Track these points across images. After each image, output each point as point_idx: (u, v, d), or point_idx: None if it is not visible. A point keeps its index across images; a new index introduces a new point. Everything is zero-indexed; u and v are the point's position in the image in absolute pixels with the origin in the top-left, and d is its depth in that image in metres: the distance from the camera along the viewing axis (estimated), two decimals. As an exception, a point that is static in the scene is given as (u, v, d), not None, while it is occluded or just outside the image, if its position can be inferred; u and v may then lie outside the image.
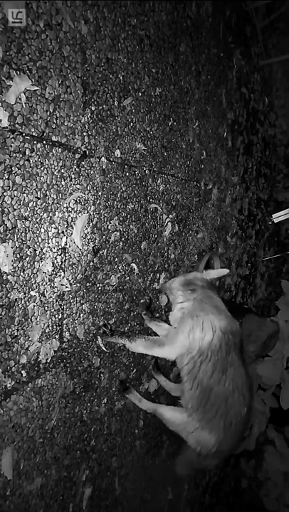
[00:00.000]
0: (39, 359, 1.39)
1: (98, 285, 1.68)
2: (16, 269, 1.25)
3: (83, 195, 1.54)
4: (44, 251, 1.37)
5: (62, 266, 1.47)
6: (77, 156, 1.49)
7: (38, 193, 1.32)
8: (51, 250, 1.40)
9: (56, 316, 1.45)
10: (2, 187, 1.18)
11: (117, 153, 1.74)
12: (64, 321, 1.50)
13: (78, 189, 1.51)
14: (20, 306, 1.28)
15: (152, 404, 1.93)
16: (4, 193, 1.19)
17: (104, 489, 1.85)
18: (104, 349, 1.75)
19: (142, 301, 2.01)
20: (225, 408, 1.61)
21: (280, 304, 3.25)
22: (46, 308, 1.40)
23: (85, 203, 1.56)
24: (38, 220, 1.33)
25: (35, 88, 1.27)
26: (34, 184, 1.30)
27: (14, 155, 1.21)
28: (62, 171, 1.42)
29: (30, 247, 1.30)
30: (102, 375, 1.76)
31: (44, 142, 1.33)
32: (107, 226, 1.71)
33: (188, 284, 1.75)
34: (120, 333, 1.75)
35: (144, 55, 1.91)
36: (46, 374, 1.43)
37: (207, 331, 1.58)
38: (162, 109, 2.10)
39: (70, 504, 1.62)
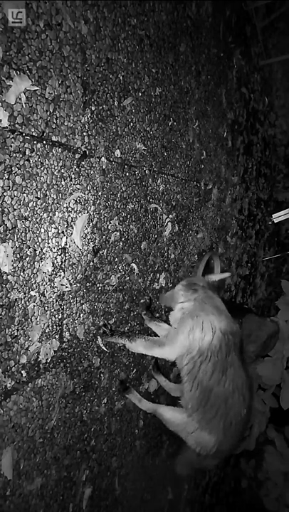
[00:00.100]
0: (39, 359, 1.39)
1: (98, 285, 1.68)
2: (16, 269, 1.25)
3: (83, 195, 1.54)
4: (44, 251, 1.37)
5: (62, 266, 1.47)
6: (77, 156, 1.49)
7: (38, 193, 1.32)
8: (51, 250, 1.40)
9: (56, 316, 1.45)
10: (2, 187, 1.18)
11: (117, 153, 1.74)
12: (64, 321, 1.50)
13: (78, 189, 1.51)
14: (20, 306, 1.28)
15: (152, 405, 1.93)
16: (4, 193, 1.19)
17: (104, 489, 1.85)
18: (104, 349, 1.75)
19: (142, 301, 2.01)
20: (225, 409, 1.61)
21: (280, 304, 3.25)
22: (46, 308, 1.40)
23: (85, 203, 1.56)
24: (38, 220, 1.33)
25: (35, 88, 1.27)
26: (34, 184, 1.30)
27: (14, 155, 1.21)
28: (62, 171, 1.42)
29: (30, 247, 1.30)
30: (102, 375, 1.76)
31: (44, 142, 1.33)
32: (107, 226, 1.71)
33: (190, 284, 1.76)
34: (120, 333, 1.75)
35: (144, 55, 1.91)
36: (46, 374, 1.43)
37: (207, 332, 1.58)
38: (162, 109, 2.10)
39: (70, 504, 1.62)
